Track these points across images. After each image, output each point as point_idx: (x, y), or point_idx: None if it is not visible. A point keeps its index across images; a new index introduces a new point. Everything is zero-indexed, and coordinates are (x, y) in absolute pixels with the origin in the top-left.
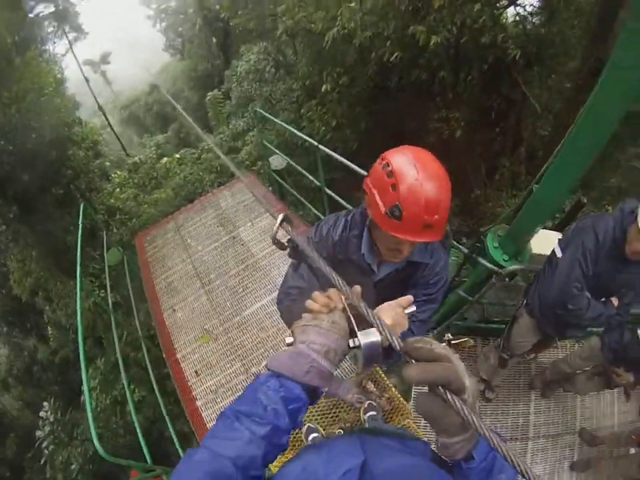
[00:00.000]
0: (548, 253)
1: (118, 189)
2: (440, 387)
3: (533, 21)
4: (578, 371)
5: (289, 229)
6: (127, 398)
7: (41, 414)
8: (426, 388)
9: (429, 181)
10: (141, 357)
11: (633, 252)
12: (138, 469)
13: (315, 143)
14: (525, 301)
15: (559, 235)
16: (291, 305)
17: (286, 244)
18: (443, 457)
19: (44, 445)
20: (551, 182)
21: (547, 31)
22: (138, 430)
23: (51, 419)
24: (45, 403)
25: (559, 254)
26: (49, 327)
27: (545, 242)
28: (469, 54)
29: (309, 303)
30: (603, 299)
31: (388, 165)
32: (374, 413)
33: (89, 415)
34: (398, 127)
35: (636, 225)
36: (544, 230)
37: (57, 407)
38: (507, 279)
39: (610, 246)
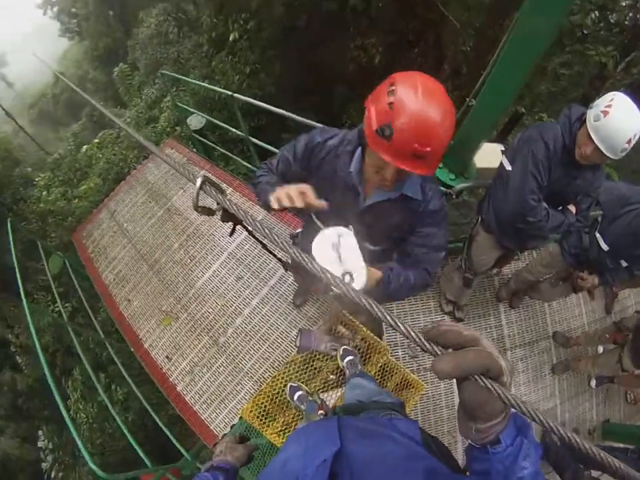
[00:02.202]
0: (493, 166)
1: (45, 192)
2: (478, 376)
3: None
4: (541, 278)
5: (213, 192)
6: (113, 398)
7: (39, 444)
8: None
9: (429, 109)
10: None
11: (582, 156)
12: (143, 475)
13: (229, 93)
14: (479, 218)
15: (500, 147)
16: (261, 192)
17: (214, 208)
18: (470, 441)
19: (52, 475)
20: (492, 93)
21: None
22: (128, 436)
23: (50, 446)
24: (40, 432)
25: (507, 167)
26: (17, 355)
27: (488, 155)
28: None
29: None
30: (560, 208)
31: (392, 85)
32: (351, 357)
33: (78, 440)
34: (314, 62)
35: (585, 129)
36: (486, 143)
37: (53, 432)
38: (456, 197)
39: (561, 154)
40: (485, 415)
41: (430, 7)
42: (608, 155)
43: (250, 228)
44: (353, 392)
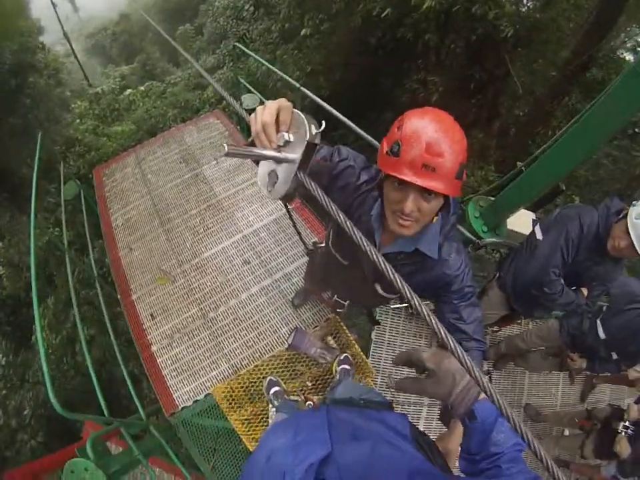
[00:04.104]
0: (521, 230)
1: (78, 120)
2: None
3: (528, 4)
4: (533, 349)
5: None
6: (79, 337)
7: None
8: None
9: (436, 126)
10: (93, 294)
11: (614, 248)
12: (97, 423)
13: (297, 85)
14: (497, 275)
15: (532, 215)
16: None
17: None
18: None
19: None
20: (546, 167)
21: (542, 17)
22: (93, 377)
23: (3, 362)
24: None
25: (539, 236)
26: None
27: (519, 220)
28: (459, 22)
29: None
30: (574, 288)
31: (402, 119)
32: (347, 367)
33: (44, 365)
34: (373, 82)
35: (623, 224)
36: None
37: (9, 349)
38: (481, 248)
39: (592, 239)
40: (436, 396)
41: (499, 63)
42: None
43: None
44: (345, 390)
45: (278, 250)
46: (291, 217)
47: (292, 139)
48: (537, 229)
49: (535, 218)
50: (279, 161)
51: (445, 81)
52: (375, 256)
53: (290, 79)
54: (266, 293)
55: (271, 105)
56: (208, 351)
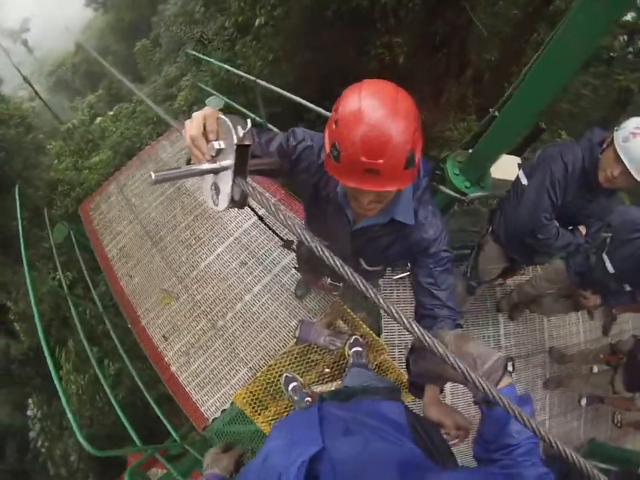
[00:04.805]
0: (508, 177)
1: (56, 160)
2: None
3: None
4: (544, 293)
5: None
6: (106, 372)
7: (28, 412)
8: None
9: (372, 116)
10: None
11: (607, 179)
12: (132, 453)
13: (252, 78)
14: (490, 228)
15: (517, 160)
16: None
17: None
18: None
19: (39, 443)
20: (518, 108)
21: None
22: (119, 411)
23: (39, 415)
24: (30, 400)
25: (524, 181)
26: (14, 322)
27: (504, 167)
28: None
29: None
30: (570, 227)
31: (340, 100)
32: (359, 348)
33: (68, 411)
34: (338, 56)
35: (611, 151)
36: (503, 155)
37: (42, 401)
38: (469, 204)
39: (579, 176)
40: (456, 379)
41: (459, 12)
42: (636, 177)
43: (259, 205)
44: (351, 380)
45: (271, 244)
46: (258, 216)
47: (223, 146)
48: (521, 173)
49: (520, 162)
50: (214, 171)
51: (408, 40)
52: (331, 260)
53: (244, 74)
54: (268, 290)
55: (196, 117)
56: (225, 359)
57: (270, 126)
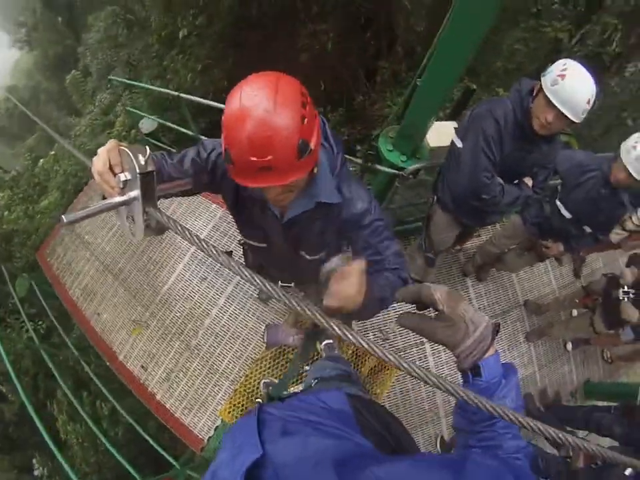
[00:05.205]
0: (447, 144)
1: (6, 212)
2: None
3: None
4: (506, 250)
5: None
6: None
7: (35, 472)
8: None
9: (253, 114)
10: (93, 369)
11: (542, 126)
12: None
13: (175, 94)
14: (435, 197)
15: (454, 124)
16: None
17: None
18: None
19: None
20: (435, 72)
21: None
22: (114, 452)
23: (46, 473)
24: (34, 460)
25: (459, 144)
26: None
27: (442, 134)
28: None
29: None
30: (516, 181)
31: (226, 101)
32: (330, 341)
33: (64, 464)
34: (269, 53)
35: (541, 98)
36: (438, 122)
37: (46, 458)
38: (410, 178)
39: (513, 128)
40: (444, 342)
41: None
42: (571, 117)
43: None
44: (312, 374)
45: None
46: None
47: (129, 177)
48: (455, 137)
49: (456, 127)
50: (123, 204)
51: (334, 25)
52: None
53: (167, 90)
54: (233, 300)
55: (101, 152)
56: (205, 377)
57: (203, 138)
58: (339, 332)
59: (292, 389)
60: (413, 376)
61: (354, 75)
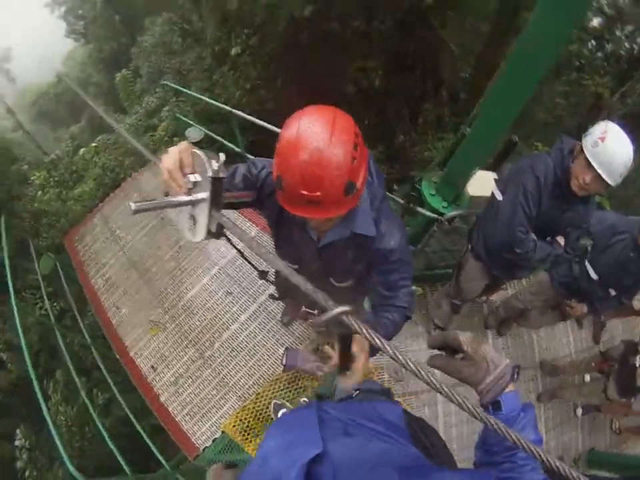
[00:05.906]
0: (485, 194)
1: (40, 192)
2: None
3: None
4: (530, 306)
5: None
6: (95, 402)
7: (16, 443)
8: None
9: (308, 148)
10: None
11: (580, 187)
12: None
13: (228, 109)
14: (469, 246)
15: (494, 175)
16: None
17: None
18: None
19: (27, 474)
20: (486, 122)
21: None
22: (108, 442)
23: (27, 445)
24: (17, 430)
25: (498, 197)
26: (2, 351)
27: (482, 183)
28: (381, 1)
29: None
30: (549, 238)
31: (282, 130)
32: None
33: (58, 442)
34: (316, 80)
35: (581, 158)
36: (480, 171)
37: (31, 432)
38: (447, 224)
39: (552, 186)
40: (468, 380)
41: (430, 30)
42: (608, 180)
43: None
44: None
45: (256, 273)
46: (234, 247)
47: (199, 179)
48: (495, 189)
49: (496, 177)
50: (190, 203)
51: (382, 62)
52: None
53: (221, 104)
54: (255, 319)
55: (172, 151)
56: (214, 388)
57: (248, 155)
58: (425, 378)
59: (302, 399)
60: (461, 408)
61: (398, 113)
